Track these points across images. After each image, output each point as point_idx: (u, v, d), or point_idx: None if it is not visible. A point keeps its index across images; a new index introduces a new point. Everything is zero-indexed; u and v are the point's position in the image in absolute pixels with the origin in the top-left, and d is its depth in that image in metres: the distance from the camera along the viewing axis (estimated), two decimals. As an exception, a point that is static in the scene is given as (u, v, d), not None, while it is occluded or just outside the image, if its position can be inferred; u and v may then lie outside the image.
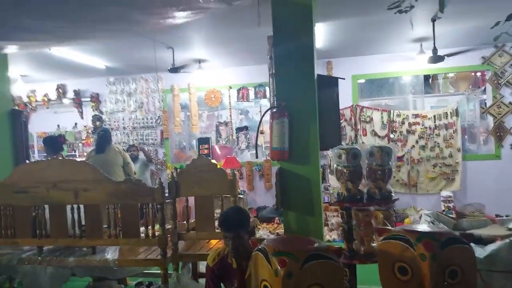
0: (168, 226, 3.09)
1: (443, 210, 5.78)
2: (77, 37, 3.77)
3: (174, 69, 5.55)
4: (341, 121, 6.33)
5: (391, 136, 6.17)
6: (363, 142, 6.25)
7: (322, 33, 5.13)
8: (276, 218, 5.88)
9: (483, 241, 3.08)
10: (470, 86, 6.41)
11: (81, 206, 3.07)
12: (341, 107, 6.27)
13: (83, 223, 3.09)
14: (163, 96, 6.97)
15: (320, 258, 1.54)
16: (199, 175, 3.06)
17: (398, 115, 6.16)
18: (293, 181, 3.25)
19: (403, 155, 6.12)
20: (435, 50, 4.80)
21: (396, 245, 1.77)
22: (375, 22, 4.84)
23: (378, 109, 6.27)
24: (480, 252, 2.96)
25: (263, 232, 5.44)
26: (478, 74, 6.31)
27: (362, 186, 2.42)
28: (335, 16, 4.58)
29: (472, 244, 3.08)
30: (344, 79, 5.53)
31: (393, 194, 2.41)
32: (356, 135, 6.31)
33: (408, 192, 6.11)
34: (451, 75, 6.43)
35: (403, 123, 6.13)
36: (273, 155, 3.29)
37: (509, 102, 5.85)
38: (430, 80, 6.62)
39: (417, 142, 6.08)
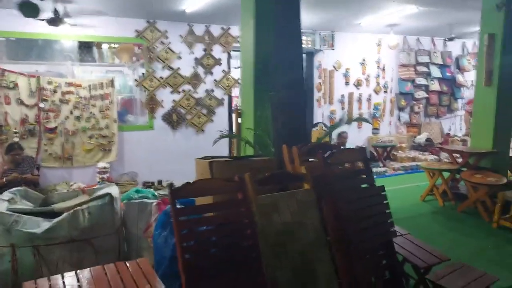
0: None
1: (98, 182, 5.76)
2: None
3: None
4: (-25, 86, 5.21)
5: (41, 105, 5.55)
6: (6, 112, 5.35)
7: None
8: None
9: (57, 214, 2.98)
10: (134, 58, 6.57)
11: None
12: (-28, 68, 5.20)
13: None
14: None
15: None
16: None
17: (50, 83, 5.59)
18: None
19: (56, 127, 5.65)
20: (56, 11, 4.43)
21: None
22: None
23: (25, 75, 5.47)
24: (43, 226, 2.82)
25: None
26: (139, 48, 6.52)
27: None
28: None
29: (39, 219, 2.92)
30: None
31: None
32: (-4, 103, 5.32)
33: (62, 166, 5.73)
34: (115, 45, 6.37)
35: (55, 91, 5.61)
36: None
37: (160, 77, 6.35)
38: (95, 48, 6.36)
39: (71, 112, 5.72)
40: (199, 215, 2.21)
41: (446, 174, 5.29)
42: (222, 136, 3.58)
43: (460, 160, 5.27)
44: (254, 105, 3.60)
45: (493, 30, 4.92)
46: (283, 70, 3.17)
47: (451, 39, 7.46)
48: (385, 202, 2.78)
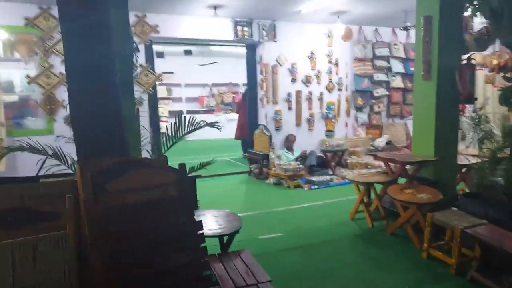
0: None
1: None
2: None
3: None
4: None
5: None
6: None
7: None
8: None
9: None
10: (37, 52, 5.67)
11: None
12: None
13: None
14: None
15: None
16: None
17: None
18: None
19: None
20: None
21: None
22: None
23: None
24: None
25: None
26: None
27: None
28: None
29: None
30: None
31: None
32: None
33: None
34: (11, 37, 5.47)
35: None
36: None
37: (60, 73, 5.46)
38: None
39: None
40: None
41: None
42: (11, 150, 2.69)
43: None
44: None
45: (429, 11, 4.02)
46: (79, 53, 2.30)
47: (406, 28, 6.55)
48: (201, 245, 1.90)
